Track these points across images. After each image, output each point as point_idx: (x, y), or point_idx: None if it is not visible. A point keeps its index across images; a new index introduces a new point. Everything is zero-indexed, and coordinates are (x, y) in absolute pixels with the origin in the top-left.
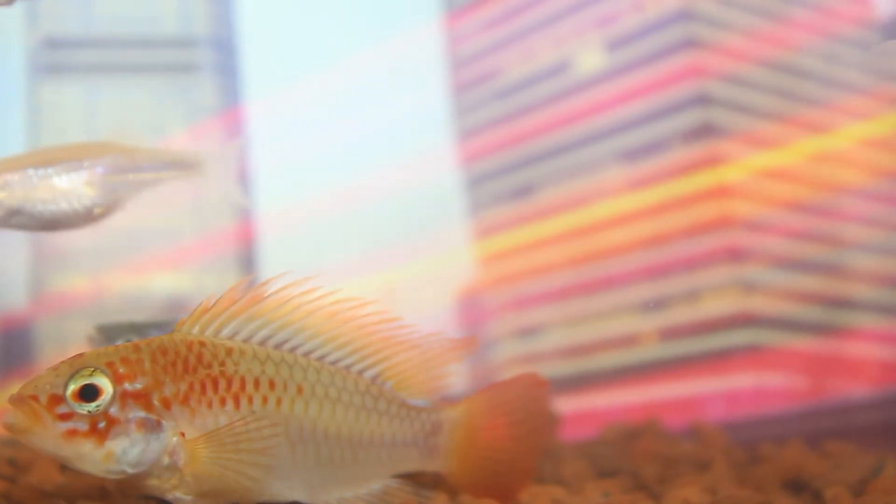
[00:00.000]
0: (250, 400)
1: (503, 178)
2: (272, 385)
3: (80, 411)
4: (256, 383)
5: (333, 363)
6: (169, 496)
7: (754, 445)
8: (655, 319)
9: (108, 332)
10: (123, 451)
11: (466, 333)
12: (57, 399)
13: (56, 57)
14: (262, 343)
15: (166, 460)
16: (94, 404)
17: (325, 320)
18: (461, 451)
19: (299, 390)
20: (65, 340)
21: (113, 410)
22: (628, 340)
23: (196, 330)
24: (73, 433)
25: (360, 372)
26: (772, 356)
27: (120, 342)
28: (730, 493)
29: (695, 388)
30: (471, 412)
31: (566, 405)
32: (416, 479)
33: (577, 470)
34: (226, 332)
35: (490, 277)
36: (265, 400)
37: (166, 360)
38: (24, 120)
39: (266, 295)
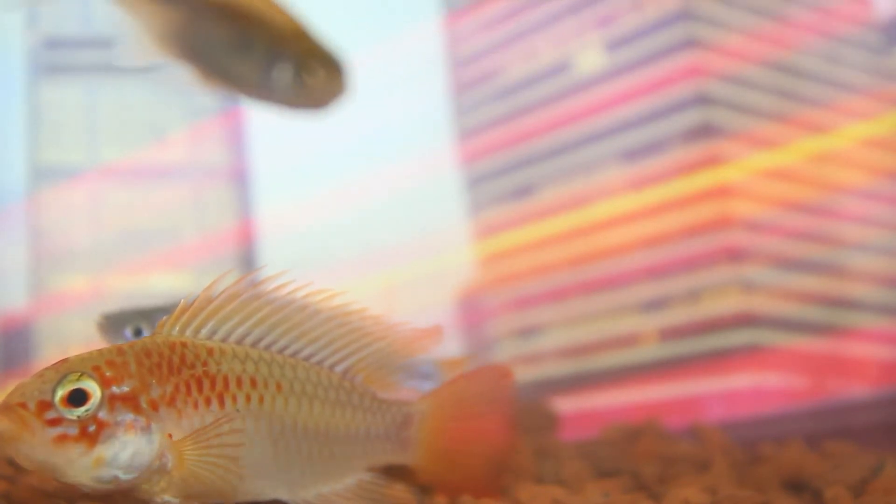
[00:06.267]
0: (234, 399)
1: (503, 178)
2: (253, 383)
3: (70, 416)
4: (239, 382)
5: (306, 359)
6: (157, 499)
7: (754, 445)
8: (655, 319)
9: (116, 320)
10: (114, 455)
11: (466, 333)
12: (46, 405)
13: (56, 57)
14: (239, 341)
15: (156, 463)
16: (83, 409)
17: (295, 315)
18: (429, 444)
19: (278, 387)
20: (65, 340)
21: (102, 414)
22: (628, 340)
23: (176, 331)
24: (63, 438)
25: (332, 366)
26: (772, 356)
27: (128, 328)
28: (730, 493)
29: (695, 388)
30: (439, 404)
31: (566, 405)
32: (412, 481)
33: (577, 470)
34: (204, 331)
35: (490, 277)
36: (248, 398)
37: (151, 362)
38: (24, 120)
39: (241, 293)
